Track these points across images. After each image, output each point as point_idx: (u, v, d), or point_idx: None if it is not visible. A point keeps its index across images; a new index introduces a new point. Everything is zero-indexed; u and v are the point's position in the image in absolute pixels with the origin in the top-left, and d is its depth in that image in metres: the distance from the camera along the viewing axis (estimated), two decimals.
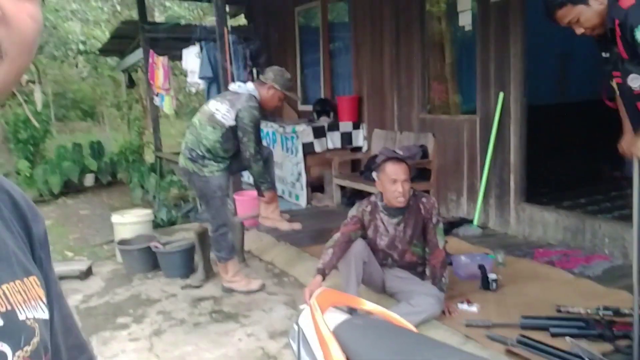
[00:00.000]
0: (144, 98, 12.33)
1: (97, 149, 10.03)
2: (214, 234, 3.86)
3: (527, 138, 4.44)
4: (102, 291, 4.23)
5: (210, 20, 7.99)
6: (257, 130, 3.75)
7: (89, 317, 3.72)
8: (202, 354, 3.07)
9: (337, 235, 3.12)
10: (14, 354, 0.53)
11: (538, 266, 3.76)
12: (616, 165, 5.13)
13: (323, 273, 3.00)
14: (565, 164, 5.65)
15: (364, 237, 3.17)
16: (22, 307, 0.56)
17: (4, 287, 0.55)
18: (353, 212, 3.22)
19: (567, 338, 2.51)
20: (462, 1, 4.87)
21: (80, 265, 4.57)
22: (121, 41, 9.29)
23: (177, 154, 8.97)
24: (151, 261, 4.51)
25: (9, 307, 0.54)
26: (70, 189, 9.13)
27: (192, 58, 6.42)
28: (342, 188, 6.02)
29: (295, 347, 1.35)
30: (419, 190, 3.34)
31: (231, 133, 3.66)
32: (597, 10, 2.29)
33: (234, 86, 3.86)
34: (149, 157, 9.50)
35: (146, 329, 3.48)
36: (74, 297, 4.11)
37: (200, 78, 6.26)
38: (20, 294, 0.56)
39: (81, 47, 13.37)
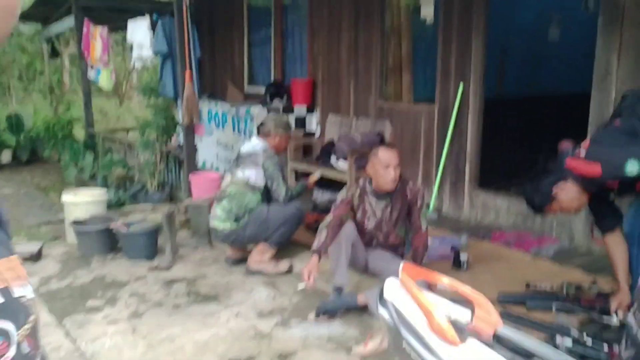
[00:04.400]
0: (66, 70, 11.56)
1: (14, 123, 9.29)
2: (284, 224, 3.83)
3: (482, 128, 4.74)
4: (59, 274, 4.01)
5: None
6: (283, 172, 4.00)
7: (54, 300, 3.53)
8: (193, 335, 3.03)
9: (329, 217, 3.20)
10: (17, 332, 0.53)
11: (497, 248, 4.06)
12: (551, 158, 5.59)
13: (319, 253, 3.08)
14: (509, 153, 6.05)
15: (353, 218, 3.28)
16: (15, 284, 0.57)
17: None
18: (343, 195, 3.31)
19: (553, 310, 2.78)
20: None
21: (30, 247, 4.30)
22: (46, 8, 8.61)
23: (115, 131, 8.58)
24: (110, 243, 4.33)
25: (5, 284, 0.54)
26: None
27: (140, 31, 6.13)
28: (296, 172, 6.06)
29: (388, 317, 1.42)
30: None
31: (267, 190, 3.91)
32: (571, 194, 2.66)
33: (245, 148, 4.03)
34: (78, 134, 8.95)
35: (122, 311, 3.37)
36: (30, 279, 3.86)
37: (155, 53, 6.01)
38: (11, 271, 0.57)
39: None
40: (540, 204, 2.78)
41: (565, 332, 2.59)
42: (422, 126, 5.17)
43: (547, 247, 4.04)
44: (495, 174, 5.37)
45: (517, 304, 3.03)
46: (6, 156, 9.04)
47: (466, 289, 1.61)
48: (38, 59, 13.47)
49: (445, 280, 1.62)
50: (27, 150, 9.03)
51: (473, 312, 1.56)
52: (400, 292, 1.46)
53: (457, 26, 4.73)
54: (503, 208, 4.62)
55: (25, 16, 9.77)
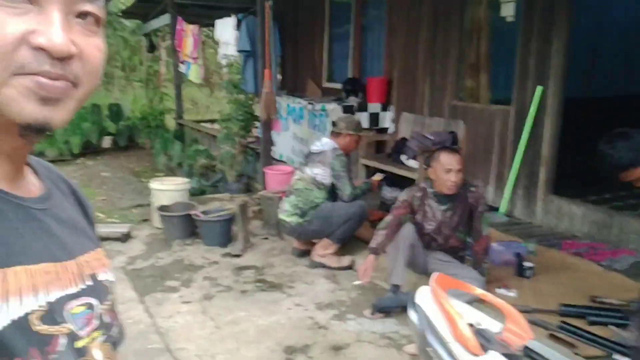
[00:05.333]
0: (163, 62, 12.35)
1: (115, 112, 10.10)
2: (347, 222, 3.97)
3: (561, 133, 4.59)
4: (144, 254, 4.40)
5: None
6: (349, 173, 4.12)
7: (137, 279, 3.90)
8: (256, 320, 3.26)
9: (388, 218, 3.29)
10: (100, 307, 0.69)
11: (567, 257, 3.95)
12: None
13: (376, 252, 3.19)
14: (590, 159, 5.79)
15: (413, 220, 3.34)
16: (99, 271, 0.72)
17: (86, 256, 0.71)
18: (404, 196, 3.38)
19: (610, 326, 2.70)
20: None
21: (122, 229, 4.74)
22: (146, 5, 9.27)
23: (200, 122, 9.11)
24: (190, 228, 4.68)
25: (92, 272, 0.70)
26: (89, 150, 9.24)
27: (227, 29, 6.47)
28: (367, 168, 6.16)
29: (417, 321, 1.52)
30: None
31: (333, 188, 4.08)
32: None
33: (316, 147, 4.20)
34: (169, 123, 9.58)
35: (196, 293, 3.67)
36: (119, 258, 4.28)
37: (238, 51, 6.33)
38: (96, 262, 0.72)
39: None
40: (618, 164, 2.36)
41: (623, 351, 2.53)
42: (496, 128, 5.08)
43: (622, 259, 3.88)
44: (573, 179, 5.18)
45: (578, 317, 2.97)
46: (107, 142, 9.85)
47: (498, 301, 1.67)
48: (138, 52, 14.47)
49: (477, 291, 1.69)
50: (125, 137, 9.79)
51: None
52: (430, 300, 1.55)
53: (538, 25, 4.60)
54: (578, 215, 4.46)
55: (128, 13, 10.60)
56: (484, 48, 5.51)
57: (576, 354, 2.64)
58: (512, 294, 3.31)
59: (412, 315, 1.55)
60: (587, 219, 4.38)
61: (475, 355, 1.42)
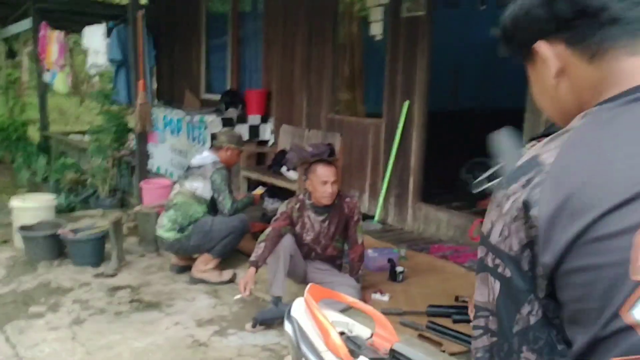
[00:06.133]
0: (25, 69, 11.36)
1: None
2: (228, 236, 3.90)
3: (426, 143, 4.95)
4: (4, 279, 4.03)
5: None
6: (229, 186, 4.05)
7: None
8: (131, 343, 3.12)
9: (268, 230, 3.34)
10: None
11: (434, 260, 4.27)
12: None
13: (256, 265, 3.21)
14: (455, 167, 6.29)
15: (292, 231, 3.41)
16: None
17: None
18: (283, 208, 3.44)
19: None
20: (374, 12, 5.25)
21: None
22: (3, 8, 8.49)
23: (69, 134, 8.50)
24: (57, 248, 4.36)
25: None
26: None
27: (96, 37, 6.14)
28: (248, 180, 6.18)
29: (292, 333, 1.56)
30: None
31: (213, 202, 4.00)
32: None
33: (195, 161, 4.12)
34: (33, 135, 8.83)
35: (64, 318, 3.43)
36: None
37: (110, 60, 6.03)
38: None
39: None
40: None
41: None
42: (370, 140, 5.36)
43: None
44: (440, 187, 5.61)
45: (444, 317, 3.21)
46: None
47: (367, 308, 1.77)
48: None
49: (348, 299, 1.79)
50: None
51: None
52: (304, 311, 1.60)
53: (404, 45, 4.94)
54: (443, 221, 4.84)
55: None
56: (357, 63, 5.79)
57: (442, 351, 2.87)
58: (385, 298, 3.50)
59: (288, 326, 1.60)
60: (452, 224, 4.76)
61: None
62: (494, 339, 0.70)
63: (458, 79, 7.27)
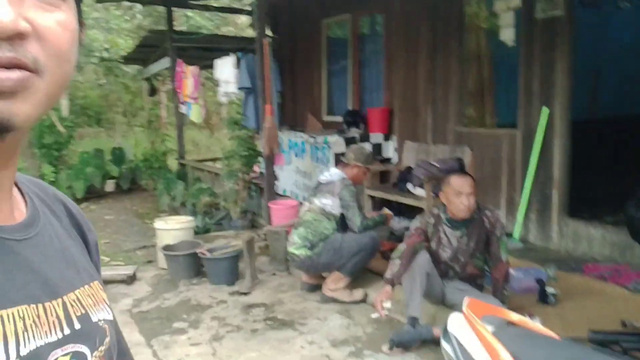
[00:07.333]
0: (163, 106, 12.42)
1: (118, 155, 10.07)
2: (359, 253, 3.84)
3: (571, 154, 4.49)
4: (150, 296, 4.25)
5: (239, 32, 8.04)
6: (358, 202, 4.03)
7: (144, 322, 3.74)
8: None
9: (402, 246, 3.17)
10: (92, 355, 0.56)
11: (590, 281, 3.79)
12: None
13: (392, 283, 3.05)
14: (600, 179, 5.69)
15: (427, 248, 3.21)
16: (93, 310, 0.60)
17: (77, 292, 0.59)
18: (417, 223, 3.26)
19: None
20: (505, 16, 4.94)
21: (126, 270, 4.61)
22: (145, 49, 9.37)
23: (203, 161, 9.07)
24: (196, 267, 4.54)
25: (84, 311, 0.58)
26: (93, 194, 9.16)
27: (226, 68, 6.48)
28: (372, 198, 6.06)
29: (451, 351, 1.38)
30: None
31: (342, 219, 3.98)
32: None
33: (324, 177, 4.12)
34: (172, 164, 9.54)
35: (204, 334, 3.50)
36: (124, 301, 4.13)
37: (239, 88, 6.33)
38: (90, 298, 0.60)
39: (105, 54, 13.47)
40: None
41: None
42: (504, 152, 4.99)
43: None
44: (587, 200, 5.05)
45: (610, 344, 2.80)
46: (110, 185, 9.78)
47: (539, 327, 1.53)
48: (139, 96, 14.57)
49: (514, 317, 1.56)
50: (128, 180, 9.72)
51: None
52: (465, 327, 1.42)
53: (540, 48, 4.57)
54: (597, 238, 4.32)
55: (128, 59, 10.71)
56: (486, 73, 5.49)
57: None
58: (536, 322, 3.13)
59: (445, 345, 1.42)
60: (607, 241, 4.24)
61: None
62: None
63: (597, 84, 6.61)
